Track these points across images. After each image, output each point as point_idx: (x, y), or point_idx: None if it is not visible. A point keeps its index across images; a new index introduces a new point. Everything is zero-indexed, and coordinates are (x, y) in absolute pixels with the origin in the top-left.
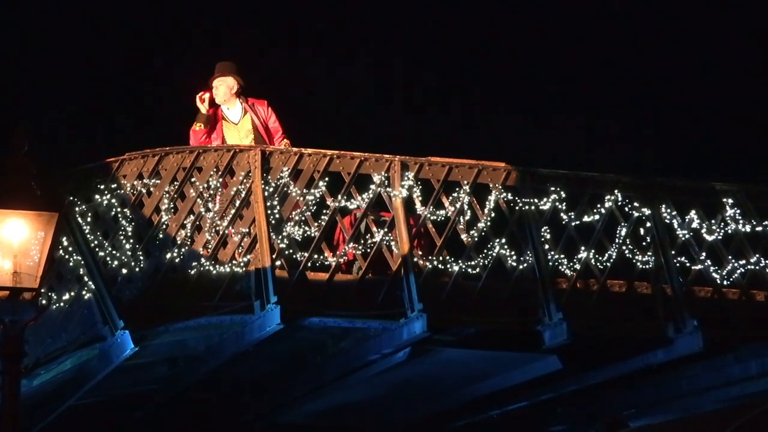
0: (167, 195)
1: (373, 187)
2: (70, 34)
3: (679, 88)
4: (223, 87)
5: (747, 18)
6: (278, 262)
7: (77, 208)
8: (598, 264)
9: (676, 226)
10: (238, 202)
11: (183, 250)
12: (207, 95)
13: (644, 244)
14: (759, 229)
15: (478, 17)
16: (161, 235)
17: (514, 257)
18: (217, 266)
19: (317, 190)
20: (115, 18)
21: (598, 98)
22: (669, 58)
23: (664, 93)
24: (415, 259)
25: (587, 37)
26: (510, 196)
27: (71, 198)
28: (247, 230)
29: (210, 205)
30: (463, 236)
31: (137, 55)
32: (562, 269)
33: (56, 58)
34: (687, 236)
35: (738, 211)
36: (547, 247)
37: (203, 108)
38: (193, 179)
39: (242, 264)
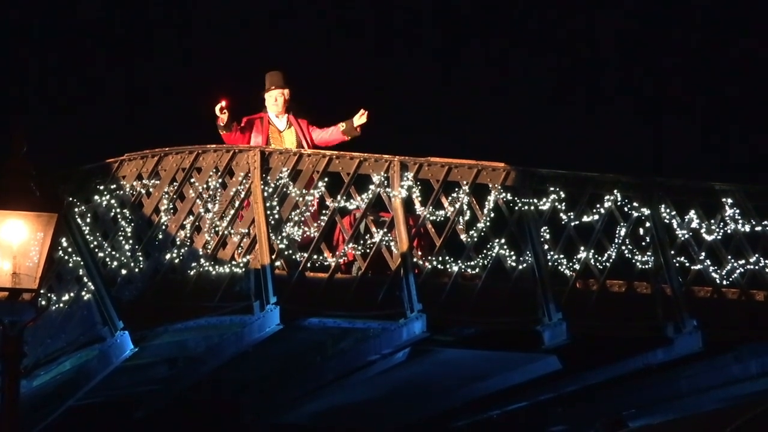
0: (166, 195)
1: (372, 187)
2: (69, 33)
3: (678, 87)
4: (282, 99)
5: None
6: (278, 263)
7: (76, 209)
8: (597, 264)
9: (675, 225)
10: (237, 203)
11: (182, 250)
12: (224, 103)
13: (644, 244)
14: (758, 228)
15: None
16: (161, 236)
17: (514, 257)
18: (217, 267)
19: (317, 191)
20: (114, 17)
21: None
22: (668, 56)
23: (662, 92)
24: (415, 260)
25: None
26: (509, 196)
27: (70, 199)
28: (247, 231)
29: (209, 205)
30: (463, 236)
31: (138, 54)
32: (562, 269)
33: (56, 59)
34: (686, 236)
35: (737, 211)
36: (546, 247)
37: (224, 117)
38: (192, 180)
39: (242, 264)
